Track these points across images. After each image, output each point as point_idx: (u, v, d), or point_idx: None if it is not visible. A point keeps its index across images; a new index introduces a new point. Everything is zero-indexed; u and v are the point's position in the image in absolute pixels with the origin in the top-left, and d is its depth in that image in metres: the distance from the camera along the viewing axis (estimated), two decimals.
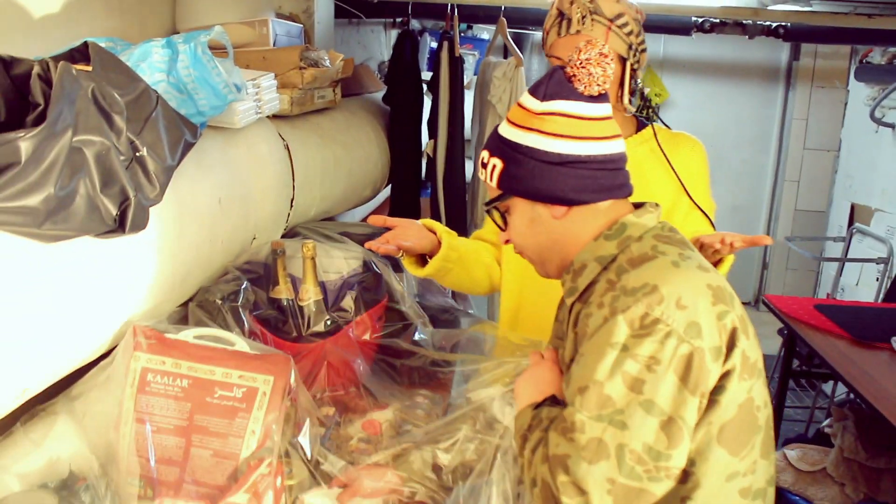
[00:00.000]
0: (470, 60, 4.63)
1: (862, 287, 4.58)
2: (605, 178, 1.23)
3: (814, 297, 5.42)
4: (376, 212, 3.73)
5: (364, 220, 3.65)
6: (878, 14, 3.18)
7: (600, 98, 1.24)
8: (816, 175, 5.61)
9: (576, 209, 1.24)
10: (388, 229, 1.74)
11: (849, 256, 4.66)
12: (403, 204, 3.29)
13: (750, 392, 1.12)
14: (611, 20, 1.63)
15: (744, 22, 3.67)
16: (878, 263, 4.36)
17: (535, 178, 1.22)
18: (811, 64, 5.52)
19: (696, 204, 1.74)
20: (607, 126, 1.24)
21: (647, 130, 1.79)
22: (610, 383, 1.09)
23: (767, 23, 3.64)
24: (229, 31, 2.13)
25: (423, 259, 1.79)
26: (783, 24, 3.65)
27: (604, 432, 1.08)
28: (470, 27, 4.99)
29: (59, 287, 1.28)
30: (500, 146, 1.27)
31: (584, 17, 1.60)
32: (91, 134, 1.26)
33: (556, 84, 1.23)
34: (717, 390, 1.10)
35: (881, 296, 4.22)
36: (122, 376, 1.48)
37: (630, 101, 1.73)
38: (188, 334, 1.52)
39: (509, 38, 3.22)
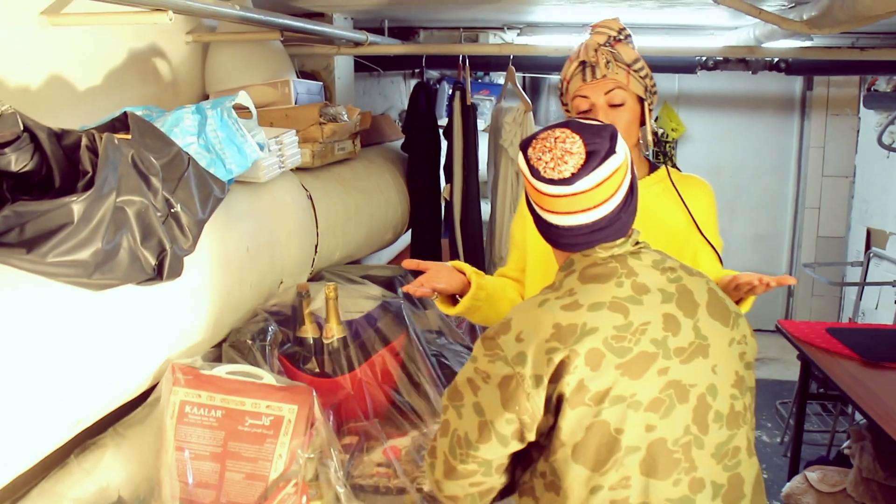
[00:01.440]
0: (487, 105, 4.83)
1: (881, 310, 4.63)
2: (564, 238, 1.38)
3: (838, 321, 5.47)
4: (401, 255, 3.91)
5: (391, 262, 3.83)
6: (870, 46, 3.32)
7: (567, 180, 1.32)
8: (835, 201, 5.67)
9: None
10: (420, 272, 1.87)
11: (867, 280, 4.73)
12: (424, 246, 3.45)
13: (598, 416, 1.27)
14: (629, 65, 1.76)
15: (746, 59, 3.81)
16: (894, 286, 4.42)
17: (528, 207, 1.44)
18: (825, 93, 5.63)
19: (707, 241, 1.86)
20: (566, 203, 1.34)
21: (661, 171, 1.92)
22: (461, 384, 1.36)
23: (769, 58, 3.77)
24: (254, 92, 2.34)
25: (453, 298, 1.93)
26: (784, 59, 3.79)
27: (450, 417, 1.36)
28: (486, 74, 5.19)
29: (107, 330, 1.46)
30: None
31: (608, 63, 1.73)
32: (132, 194, 1.45)
33: (524, 154, 1.39)
34: (558, 414, 1.28)
35: None
36: (162, 409, 1.65)
37: (646, 142, 1.89)
38: (221, 370, 1.68)
39: (518, 85, 3.40)
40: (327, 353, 2.14)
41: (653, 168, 1.93)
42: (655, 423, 1.28)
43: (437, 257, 3.50)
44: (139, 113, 1.94)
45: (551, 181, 1.32)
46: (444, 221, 3.50)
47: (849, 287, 5.29)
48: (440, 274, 1.83)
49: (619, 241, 1.38)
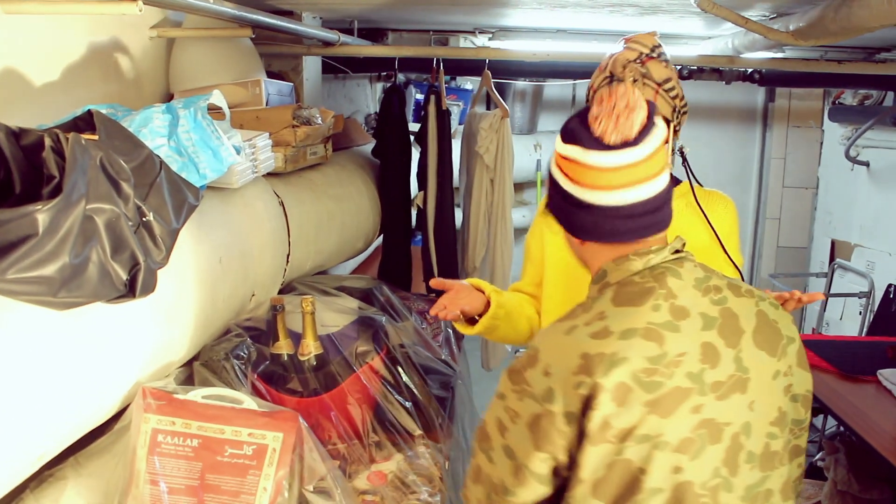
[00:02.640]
0: (455, 111, 4.72)
1: (846, 321, 4.65)
2: (610, 225, 1.26)
3: (799, 332, 5.47)
4: (367, 261, 3.77)
5: (358, 269, 3.70)
6: (848, 59, 3.29)
7: (624, 146, 1.23)
8: (796, 212, 5.71)
9: (589, 242, 1.32)
10: (438, 291, 1.83)
11: (832, 292, 4.74)
12: (395, 253, 3.33)
13: (621, 454, 1.16)
14: (659, 84, 1.67)
15: (720, 69, 3.77)
16: (860, 297, 4.43)
17: (557, 206, 1.32)
18: (786, 105, 5.66)
19: (729, 258, 1.79)
20: (621, 175, 1.23)
21: (685, 185, 1.86)
22: (489, 424, 1.27)
23: (743, 69, 3.74)
24: (223, 92, 2.19)
25: (470, 317, 1.85)
26: (758, 69, 3.76)
27: (481, 461, 1.27)
28: (453, 78, 5.09)
29: (69, 353, 1.30)
30: (550, 172, 1.35)
31: (635, 81, 1.65)
32: (102, 202, 1.30)
33: (572, 130, 1.26)
34: (579, 450, 1.18)
35: (865, 329, 4.28)
36: (132, 438, 1.49)
37: (672, 160, 1.79)
38: (197, 394, 1.54)
39: (494, 90, 3.30)
40: (304, 371, 2.00)
41: (675, 182, 1.85)
42: (683, 465, 1.18)
43: (407, 265, 3.39)
44: (104, 111, 1.79)
45: (614, 147, 1.23)
46: (417, 229, 3.38)
47: None
48: (462, 294, 1.78)
49: (654, 248, 1.28)
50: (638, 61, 1.67)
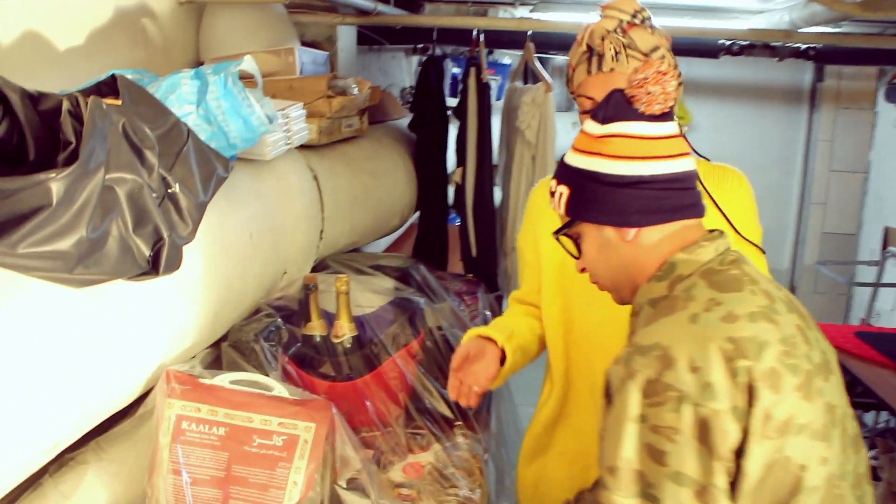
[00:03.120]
0: (492, 86, 4.57)
1: None
2: (672, 198, 1.16)
3: (845, 322, 5.29)
4: (400, 239, 3.66)
5: (391, 247, 3.59)
6: None
7: (664, 117, 1.18)
8: (844, 197, 5.48)
9: (645, 231, 1.17)
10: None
11: (883, 281, 4.54)
12: (431, 231, 3.21)
13: (781, 451, 1.02)
14: (646, 54, 1.50)
15: (773, 44, 3.59)
16: None
17: (600, 201, 1.17)
18: (836, 85, 5.43)
19: (745, 239, 1.65)
20: (672, 144, 1.18)
21: None
22: (636, 459, 1.04)
23: (797, 45, 3.56)
24: (255, 59, 2.08)
25: None
26: (813, 45, 3.57)
27: None
28: (491, 52, 4.92)
29: (86, 334, 1.20)
30: (566, 173, 1.23)
31: (617, 54, 1.49)
32: (123, 171, 1.20)
33: (614, 106, 1.18)
34: (739, 454, 1.02)
35: None
36: (155, 424, 1.40)
37: None
38: (224, 379, 1.44)
39: (537, 63, 3.16)
40: (338, 354, 1.90)
41: None
42: (827, 455, 1.05)
43: (444, 244, 3.27)
44: (129, 77, 1.69)
45: (660, 118, 1.17)
46: (454, 206, 3.26)
47: (858, 287, 5.11)
48: (479, 369, 1.62)
49: (714, 232, 1.20)
50: (618, 30, 1.50)
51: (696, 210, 1.20)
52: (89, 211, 1.09)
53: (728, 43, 3.63)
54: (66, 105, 1.17)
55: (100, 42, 1.96)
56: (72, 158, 1.07)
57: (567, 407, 1.76)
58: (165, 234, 1.26)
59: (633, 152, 1.15)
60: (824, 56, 3.70)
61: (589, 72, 1.53)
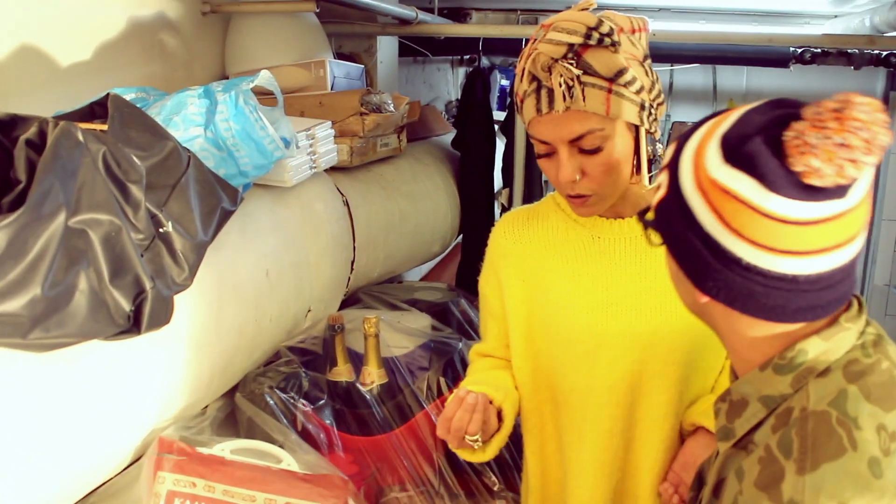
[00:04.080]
0: None
1: None
2: (807, 300, 0.82)
3: None
4: (443, 262, 3.45)
5: (432, 272, 3.38)
6: None
7: (836, 192, 0.77)
8: None
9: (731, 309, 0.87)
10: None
11: None
12: (475, 257, 2.98)
13: None
14: (610, 80, 1.15)
15: (849, 51, 3.31)
16: None
17: (689, 254, 0.85)
18: None
19: None
20: (828, 232, 0.78)
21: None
22: None
23: (877, 51, 3.27)
24: (281, 74, 1.89)
25: None
26: (894, 52, 3.28)
27: None
28: None
29: (53, 405, 1.01)
30: (675, 172, 0.86)
31: (570, 88, 1.13)
32: (98, 212, 1.00)
33: (752, 155, 0.77)
34: None
35: None
36: (143, 501, 1.20)
37: (650, 176, 1.26)
38: (224, 447, 1.24)
39: None
40: (366, 405, 1.69)
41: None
42: None
43: None
44: (131, 96, 1.51)
45: (821, 192, 0.76)
46: None
47: None
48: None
49: (854, 305, 0.86)
50: (570, 57, 1.13)
51: (831, 309, 0.84)
52: (46, 263, 0.90)
53: (800, 51, 3.36)
54: (29, 133, 0.98)
55: (111, 56, 1.78)
56: (20, 201, 0.87)
57: (550, 489, 1.44)
58: (148, 285, 1.06)
59: (758, 236, 0.79)
60: None
61: (538, 110, 1.17)
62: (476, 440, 1.22)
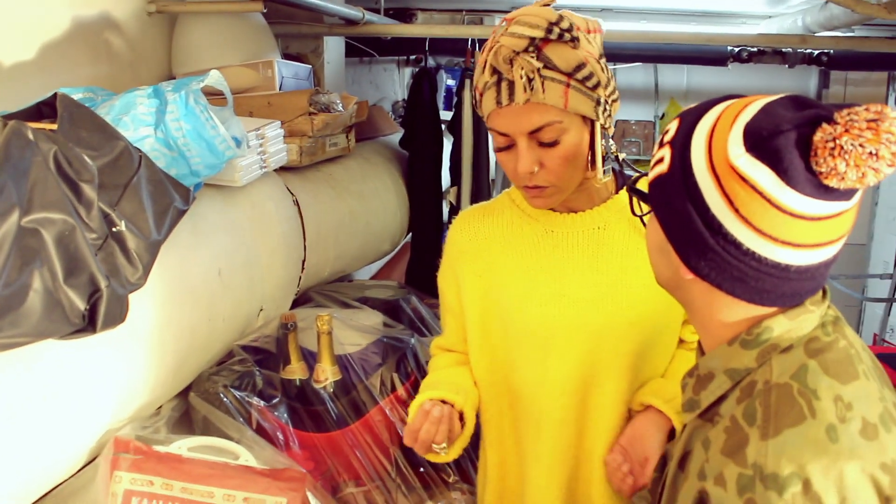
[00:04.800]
0: None
1: None
2: (793, 287, 0.88)
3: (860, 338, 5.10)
4: (392, 261, 3.46)
5: (382, 271, 3.39)
6: None
7: (847, 192, 0.82)
8: None
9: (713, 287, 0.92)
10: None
11: None
12: (425, 255, 3.02)
13: None
14: (569, 74, 1.18)
15: (783, 50, 3.43)
16: None
17: (685, 231, 0.89)
18: (842, 92, 5.26)
19: None
20: (827, 228, 0.84)
21: (621, 199, 1.37)
22: None
23: (809, 50, 3.39)
24: (229, 74, 1.88)
25: None
26: (826, 51, 3.40)
27: None
28: None
29: (19, 398, 1.01)
30: (683, 151, 0.89)
31: (531, 81, 1.17)
32: (50, 211, 1.00)
33: (779, 150, 0.80)
34: None
35: None
36: (100, 501, 1.20)
37: (604, 170, 1.29)
38: (182, 445, 1.24)
39: None
40: (320, 401, 1.70)
41: (621, 185, 1.40)
42: None
43: (438, 267, 3.07)
44: (78, 96, 1.50)
45: (833, 192, 0.80)
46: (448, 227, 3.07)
47: (870, 301, 4.91)
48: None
49: (819, 295, 0.92)
50: (531, 51, 1.17)
51: (808, 295, 0.90)
52: None
53: (737, 49, 3.47)
54: None
55: (55, 56, 1.76)
56: None
57: (508, 479, 1.47)
58: (103, 284, 1.06)
59: (770, 227, 0.83)
60: (837, 62, 3.52)
61: (499, 102, 1.21)
62: (443, 447, 1.28)
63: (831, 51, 3.45)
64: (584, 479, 1.38)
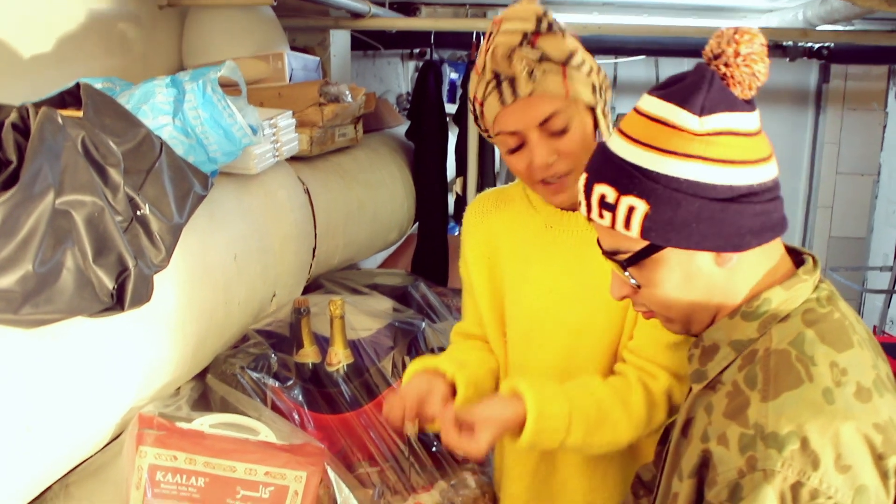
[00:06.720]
0: None
1: None
2: (777, 210, 0.95)
3: None
4: (400, 249, 3.50)
5: (388, 259, 3.43)
6: None
7: (752, 103, 0.94)
8: (852, 201, 5.33)
9: (746, 253, 0.95)
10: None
11: None
12: (431, 244, 3.06)
13: None
14: (564, 63, 1.22)
15: (784, 44, 3.46)
16: None
17: (703, 221, 0.92)
18: (842, 86, 5.28)
19: None
20: (766, 141, 0.95)
21: None
22: None
23: (810, 44, 3.42)
24: (240, 65, 1.93)
25: None
26: (826, 45, 3.44)
27: None
28: None
29: (40, 376, 1.05)
30: (635, 180, 0.93)
31: (532, 72, 1.20)
32: (80, 193, 1.04)
33: (718, 91, 0.90)
34: None
35: None
36: (125, 477, 1.24)
37: None
38: (203, 422, 1.29)
39: None
40: (333, 384, 1.75)
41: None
42: None
43: (444, 256, 3.11)
44: (98, 86, 1.53)
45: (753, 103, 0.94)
46: (454, 217, 3.11)
47: (871, 294, 4.95)
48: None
49: (808, 261, 1.00)
50: (525, 44, 1.21)
51: (786, 223, 0.97)
52: (37, 241, 0.94)
53: None
54: (11, 118, 1.02)
55: (70, 49, 1.80)
56: (12, 180, 0.91)
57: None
58: (131, 264, 1.10)
59: (742, 155, 0.91)
60: (837, 55, 3.56)
61: (503, 102, 1.24)
62: (413, 428, 1.31)
63: (832, 44, 3.48)
64: (560, 480, 1.46)
